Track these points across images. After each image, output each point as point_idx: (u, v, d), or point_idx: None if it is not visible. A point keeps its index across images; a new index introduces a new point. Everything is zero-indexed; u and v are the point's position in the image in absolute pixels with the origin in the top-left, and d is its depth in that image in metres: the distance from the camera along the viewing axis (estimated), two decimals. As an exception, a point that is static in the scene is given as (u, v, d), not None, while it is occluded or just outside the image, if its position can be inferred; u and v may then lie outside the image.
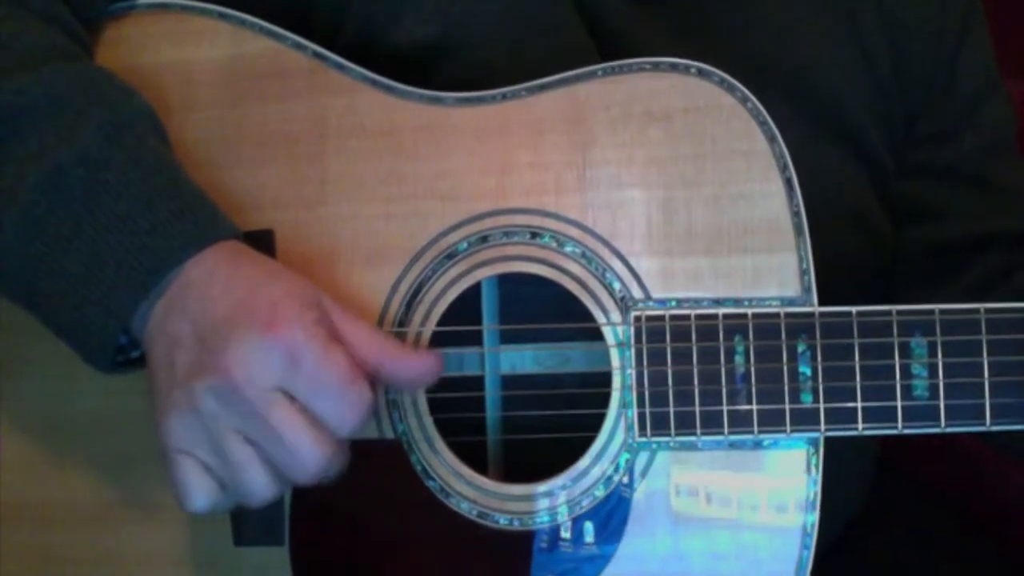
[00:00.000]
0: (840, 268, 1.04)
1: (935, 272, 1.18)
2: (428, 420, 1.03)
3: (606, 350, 1.01)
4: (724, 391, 0.99)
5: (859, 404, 0.98)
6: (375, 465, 1.01)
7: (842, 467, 1.05)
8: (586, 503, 1.02)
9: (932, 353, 0.98)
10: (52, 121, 0.93)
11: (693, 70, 1.01)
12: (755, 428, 0.99)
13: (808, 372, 0.99)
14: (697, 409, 0.99)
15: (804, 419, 0.99)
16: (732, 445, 1.00)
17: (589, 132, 1.02)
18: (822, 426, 0.99)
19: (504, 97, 1.03)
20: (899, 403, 0.98)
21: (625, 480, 1.01)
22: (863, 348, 0.98)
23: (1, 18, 0.99)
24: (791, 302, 1.00)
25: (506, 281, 1.07)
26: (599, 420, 1.01)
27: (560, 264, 1.02)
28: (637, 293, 1.01)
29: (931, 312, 0.98)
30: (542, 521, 1.02)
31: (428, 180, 1.03)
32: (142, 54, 1.06)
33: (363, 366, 0.91)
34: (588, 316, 1.01)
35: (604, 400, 1.01)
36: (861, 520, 1.28)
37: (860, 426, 0.99)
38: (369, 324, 0.94)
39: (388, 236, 1.03)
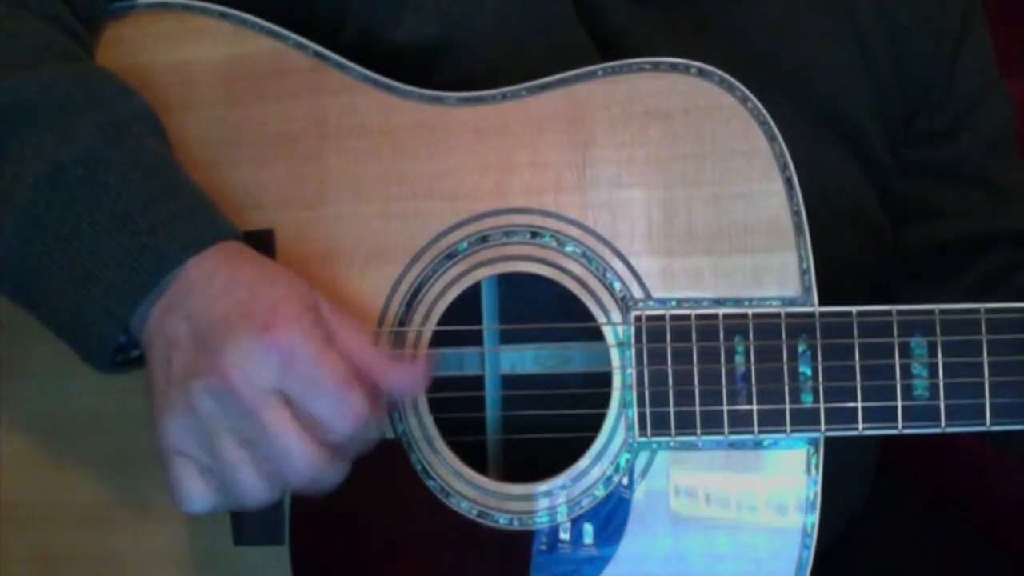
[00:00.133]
0: (840, 268, 1.04)
1: (935, 272, 1.18)
2: (428, 420, 1.03)
3: (606, 350, 1.01)
4: (724, 391, 0.99)
5: (859, 404, 0.98)
6: (375, 465, 1.01)
7: (842, 467, 1.05)
8: (586, 503, 1.02)
9: (932, 353, 0.98)
10: (52, 121, 0.93)
11: (693, 70, 1.01)
12: (755, 428, 0.99)
13: (808, 372, 0.99)
14: (697, 409, 0.99)
15: (804, 419, 0.99)
16: (732, 445, 1.00)
17: (589, 132, 1.02)
18: (822, 426, 0.99)
19: (504, 97, 1.03)
20: (899, 403, 0.98)
21: (625, 480, 1.01)
22: (863, 348, 0.98)
23: (1, 17, 0.99)
24: (791, 302, 1.00)
25: (506, 281, 1.07)
26: (599, 420, 1.01)
27: (560, 264, 1.02)
28: (637, 293, 1.01)
29: (931, 312, 0.98)
30: (542, 521, 1.02)
31: (428, 180, 1.03)
32: (142, 54, 1.06)
33: (357, 371, 0.91)
34: (588, 316, 1.01)
35: (604, 400, 1.01)
36: (861, 520, 1.28)
37: (860, 426, 0.99)
38: (366, 325, 0.94)
39: (388, 236, 1.03)
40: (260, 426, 0.88)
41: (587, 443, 1.01)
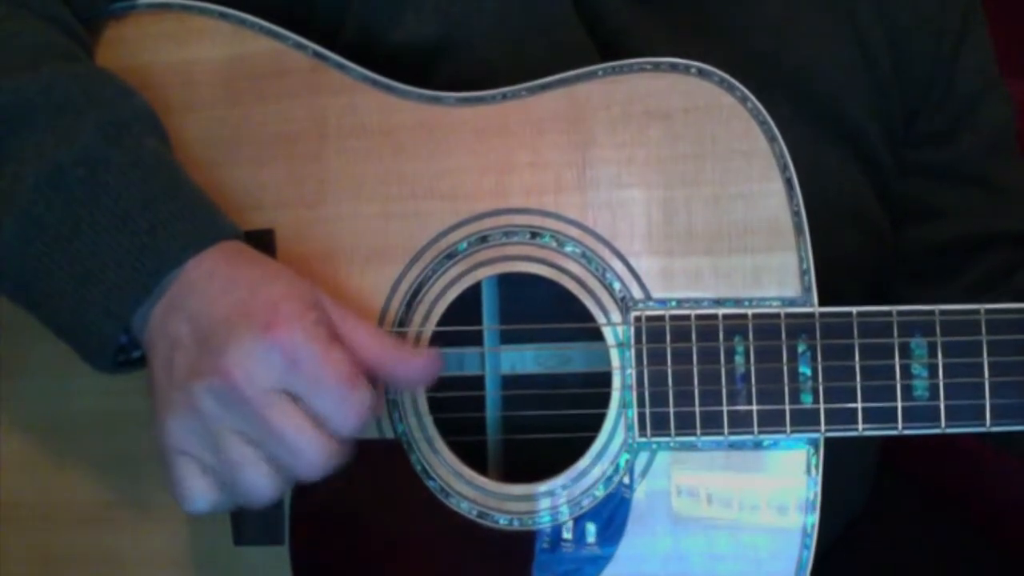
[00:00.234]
0: (840, 268, 1.04)
1: (935, 272, 1.18)
2: (428, 420, 1.03)
3: (606, 350, 1.01)
4: (724, 391, 0.99)
5: (859, 404, 0.98)
6: (375, 465, 1.01)
7: (842, 467, 1.05)
8: (586, 503, 1.02)
9: (932, 353, 0.98)
10: (51, 121, 0.93)
11: (693, 70, 1.01)
12: (755, 428, 0.99)
13: (808, 372, 0.99)
14: (697, 409, 0.99)
15: (804, 419, 0.99)
16: (732, 445, 1.00)
17: (589, 132, 1.02)
18: (822, 426, 0.99)
19: (504, 97, 1.03)
20: (899, 404, 0.98)
21: (625, 480, 1.01)
22: (863, 348, 0.98)
23: (1, 18, 0.99)
24: (791, 302, 1.00)
25: (506, 281, 1.07)
26: (599, 420, 1.01)
27: (560, 264, 1.02)
28: (637, 293, 1.01)
29: (931, 312, 0.98)
30: (542, 521, 1.02)
31: (428, 180, 1.03)
32: (142, 54, 1.06)
33: (363, 366, 0.91)
34: (588, 316, 1.01)
35: (604, 400, 1.01)
36: (861, 520, 1.28)
37: (860, 427, 0.99)
38: (369, 324, 0.94)
39: (388, 236, 1.03)
40: (266, 425, 0.88)
41: (587, 443, 1.01)
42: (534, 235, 1.02)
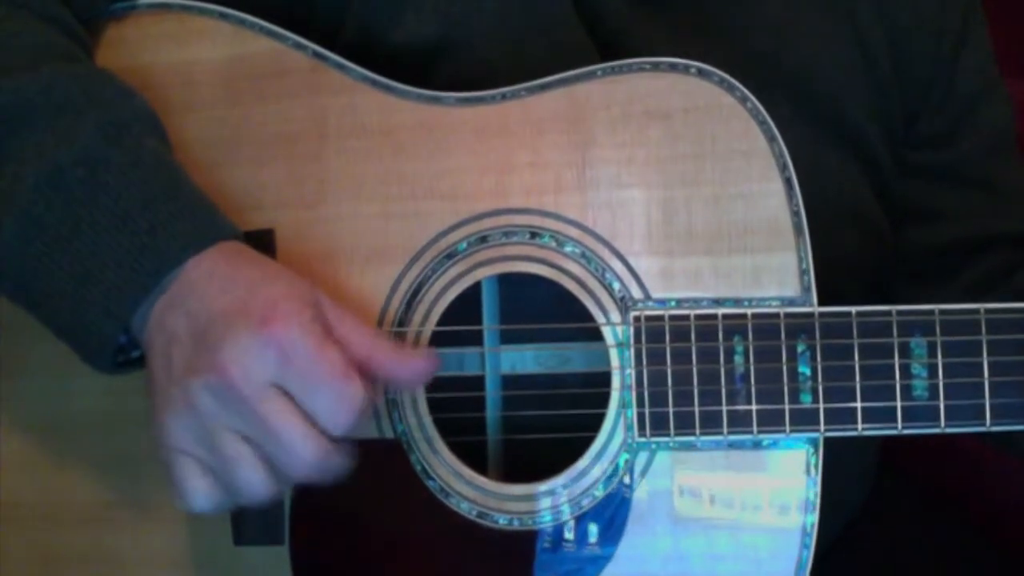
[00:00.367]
0: (840, 268, 1.04)
1: (935, 272, 1.18)
2: (428, 420, 1.03)
3: (606, 350, 1.01)
4: (723, 391, 0.99)
5: (859, 404, 0.98)
6: (375, 465, 1.01)
7: (842, 467, 1.05)
8: (586, 503, 1.02)
9: (932, 353, 0.98)
10: (51, 121, 0.93)
11: (693, 70, 1.01)
12: (754, 428, 0.99)
13: (808, 372, 0.99)
14: (696, 409, 0.99)
15: (804, 419, 0.99)
16: (731, 445, 1.00)
17: (589, 132, 1.02)
18: (822, 426, 0.99)
19: (504, 97, 1.03)
20: (899, 403, 0.98)
21: (625, 480, 1.01)
22: (863, 348, 0.98)
23: (1, 18, 0.99)
24: (791, 302, 1.00)
25: (506, 281, 1.07)
26: (599, 420, 1.01)
27: (560, 264, 1.02)
28: (637, 293, 1.01)
29: (931, 312, 0.98)
30: (542, 521, 1.02)
31: (428, 180, 1.03)
32: (142, 54, 1.06)
33: (358, 365, 0.91)
34: (588, 316, 1.01)
35: (604, 400, 1.01)
36: (861, 520, 1.28)
37: (860, 426, 0.99)
38: (366, 323, 0.94)
39: (388, 236, 1.03)
40: (261, 421, 0.88)
41: (587, 443, 1.01)
42: (534, 235, 1.02)
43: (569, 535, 1.02)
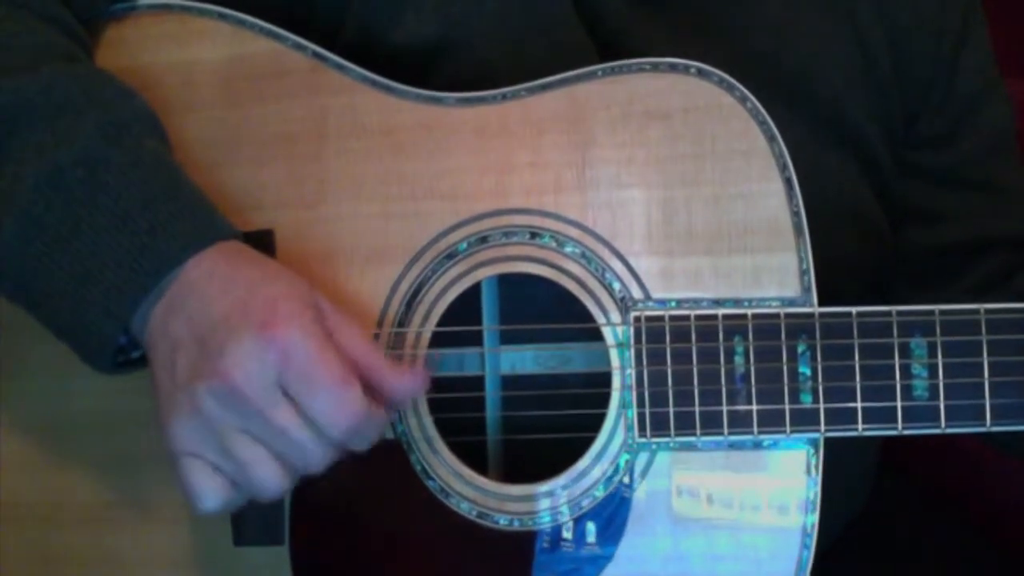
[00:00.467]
0: (840, 268, 1.04)
1: (935, 274, 1.18)
2: (428, 420, 1.03)
3: (606, 350, 1.01)
4: (724, 391, 0.99)
5: (859, 404, 0.98)
6: (375, 465, 1.01)
7: (842, 467, 1.05)
8: (586, 503, 1.02)
9: (932, 353, 0.98)
10: (51, 122, 0.93)
11: (693, 70, 1.01)
12: (755, 428, 0.99)
13: (808, 372, 0.99)
14: (697, 409, 0.99)
15: (804, 419, 0.99)
16: (732, 446, 1.00)
17: (589, 132, 1.02)
18: (822, 426, 0.99)
19: (504, 97, 1.03)
20: (899, 404, 0.98)
21: (625, 480, 1.01)
22: (863, 348, 0.98)
23: (1, 18, 0.99)
24: (791, 302, 1.00)
25: (506, 281, 1.07)
26: (599, 420, 1.01)
27: (560, 264, 1.02)
28: (637, 293, 1.01)
29: (931, 312, 0.98)
30: (542, 521, 1.02)
31: (428, 180, 1.03)
32: (142, 55, 1.06)
33: (357, 372, 0.91)
34: (588, 316, 1.01)
35: (604, 400, 1.01)
36: (861, 520, 1.28)
37: (860, 427, 0.99)
38: (363, 331, 0.94)
39: (388, 236, 1.03)
40: (268, 423, 0.88)
41: (587, 444, 1.01)
42: (534, 235, 1.02)
43: (569, 535, 1.02)
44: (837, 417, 0.98)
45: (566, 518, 1.02)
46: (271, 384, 0.88)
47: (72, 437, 1.06)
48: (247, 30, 1.05)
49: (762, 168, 1.00)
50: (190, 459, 0.90)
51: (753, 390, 0.99)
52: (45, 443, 1.06)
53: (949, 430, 0.99)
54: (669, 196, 1.01)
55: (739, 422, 0.99)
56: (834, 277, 1.02)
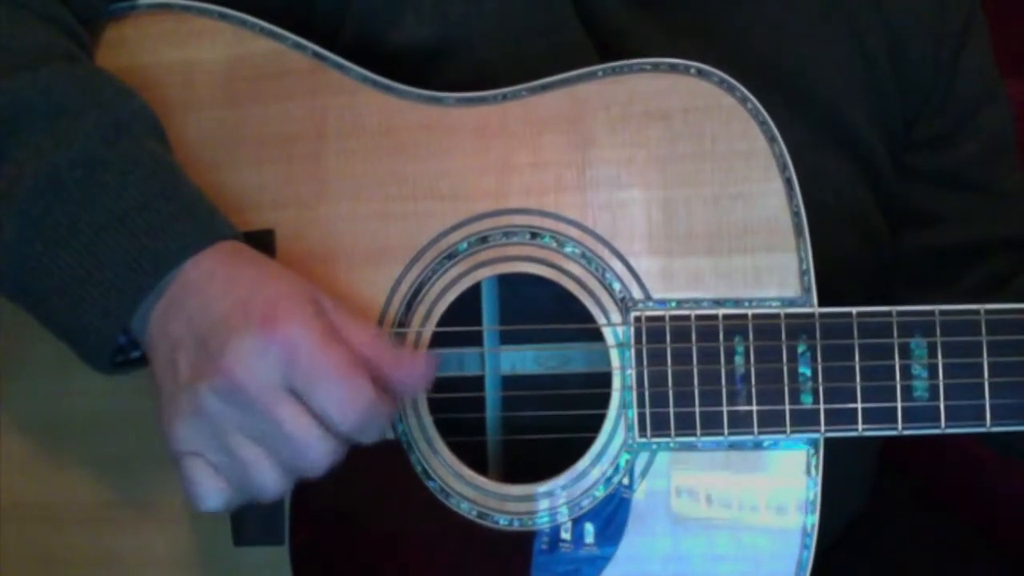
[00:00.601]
0: (840, 269, 1.04)
1: (934, 276, 1.18)
2: (428, 420, 1.03)
3: (606, 351, 1.01)
4: (724, 392, 0.99)
5: (859, 405, 0.98)
6: (375, 465, 1.01)
7: (842, 467, 1.05)
8: (586, 504, 1.02)
9: (932, 354, 0.98)
10: (50, 122, 0.93)
11: (693, 70, 1.01)
12: (755, 429, 0.99)
13: (808, 373, 0.99)
14: (697, 410, 0.99)
15: (804, 420, 0.99)
16: (732, 446, 1.00)
17: (589, 132, 1.02)
18: (822, 427, 0.99)
19: (504, 97, 1.03)
20: (899, 404, 0.98)
21: (625, 481, 1.01)
22: (863, 349, 0.98)
23: (1, 18, 0.99)
24: (791, 303, 1.00)
25: (506, 281, 1.07)
26: (599, 421, 1.01)
27: (560, 264, 1.02)
28: (637, 293, 1.01)
29: (931, 313, 0.98)
30: (542, 522, 1.02)
31: (428, 180, 1.03)
32: (142, 55, 1.06)
33: (364, 365, 0.91)
34: (588, 316, 1.01)
35: (604, 400, 1.01)
36: (861, 519, 1.28)
37: (860, 427, 0.99)
38: (367, 324, 0.94)
39: (388, 236, 1.03)
40: (270, 423, 0.88)
41: (587, 444, 1.01)
42: (534, 235, 1.02)
43: (568, 536, 1.02)
44: (837, 417, 0.99)
45: (565, 518, 1.02)
46: (275, 381, 0.88)
47: (72, 437, 1.06)
48: (247, 30, 1.05)
49: (762, 168, 1.00)
50: (192, 459, 0.90)
51: (753, 390, 0.99)
52: (45, 443, 1.06)
53: (949, 430, 0.99)
54: (669, 196, 1.01)
55: (739, 422, 0.99)
56: (834, 278, 1.02)
